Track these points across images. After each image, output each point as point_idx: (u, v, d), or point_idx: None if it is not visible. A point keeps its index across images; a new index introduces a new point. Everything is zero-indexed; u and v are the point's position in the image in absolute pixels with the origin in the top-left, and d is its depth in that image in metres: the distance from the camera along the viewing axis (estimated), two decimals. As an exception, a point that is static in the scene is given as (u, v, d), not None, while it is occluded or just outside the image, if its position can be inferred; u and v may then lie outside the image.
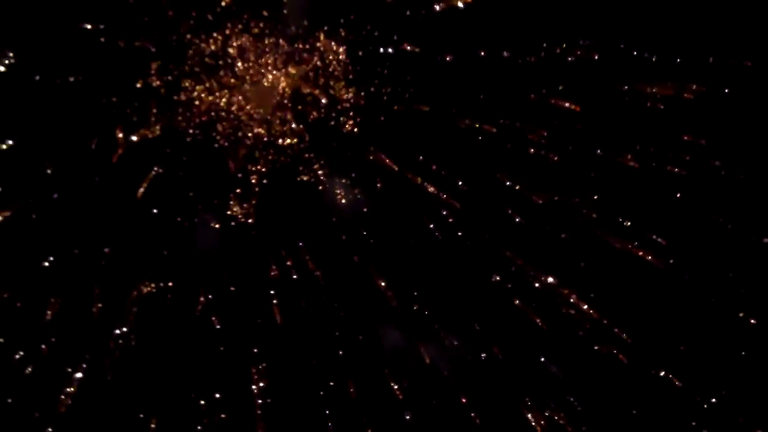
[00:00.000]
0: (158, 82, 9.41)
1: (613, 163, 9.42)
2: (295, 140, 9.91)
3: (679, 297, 9.47)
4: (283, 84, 9.72)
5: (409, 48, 9.59)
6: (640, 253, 9.44)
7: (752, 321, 9.36)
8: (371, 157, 10.00)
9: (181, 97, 9.54)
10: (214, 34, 9.35)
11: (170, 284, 9.97)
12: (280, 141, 9.91)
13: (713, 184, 9.18)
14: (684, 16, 8.83)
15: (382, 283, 10.14)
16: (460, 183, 9.95)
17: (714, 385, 9.51)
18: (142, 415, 9.77)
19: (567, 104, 9.28)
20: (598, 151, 9.44)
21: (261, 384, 10.10)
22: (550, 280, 10.07)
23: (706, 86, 8.85)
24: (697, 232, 9.33)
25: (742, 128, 9.03)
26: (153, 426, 9.81)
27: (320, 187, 10.04)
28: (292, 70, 9.63)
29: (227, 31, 9.33)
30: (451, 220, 10.06)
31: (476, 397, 10.20)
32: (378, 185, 10.07)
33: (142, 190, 9.64)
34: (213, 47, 9.29)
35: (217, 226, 10.00)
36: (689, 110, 9.04)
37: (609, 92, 9.24)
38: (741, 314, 9.33)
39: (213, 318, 10.15)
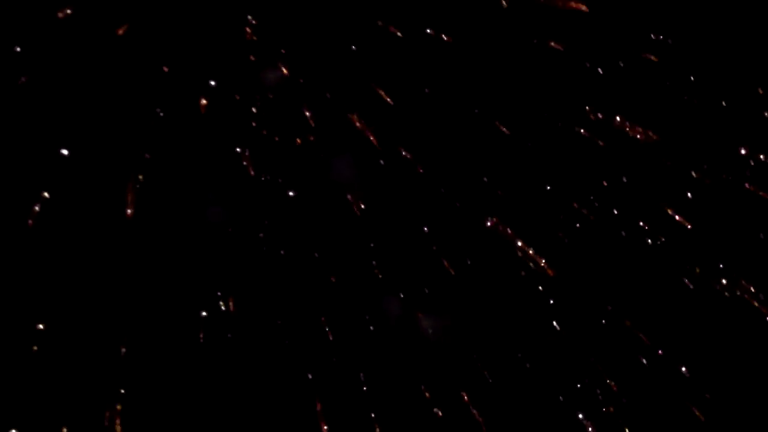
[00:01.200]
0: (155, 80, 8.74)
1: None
2: (302, 137, 9.40)
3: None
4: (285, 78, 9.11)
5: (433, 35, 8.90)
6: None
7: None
8: (384, 151, 9.55)
9: (178, 94, 8.91)
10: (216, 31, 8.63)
11: (178, 274, 9.66)
12: (286, 137, 9.40)
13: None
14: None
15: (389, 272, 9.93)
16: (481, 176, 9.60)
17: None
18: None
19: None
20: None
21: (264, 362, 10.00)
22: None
23: None
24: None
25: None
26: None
27: (329, 185, 9.62)
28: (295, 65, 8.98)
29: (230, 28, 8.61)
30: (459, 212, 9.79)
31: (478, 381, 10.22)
32: (389, 178, 9.66)
33: (138, 190, 9.17)
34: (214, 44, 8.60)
35: (222, 222, 9.62)
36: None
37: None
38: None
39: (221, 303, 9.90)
